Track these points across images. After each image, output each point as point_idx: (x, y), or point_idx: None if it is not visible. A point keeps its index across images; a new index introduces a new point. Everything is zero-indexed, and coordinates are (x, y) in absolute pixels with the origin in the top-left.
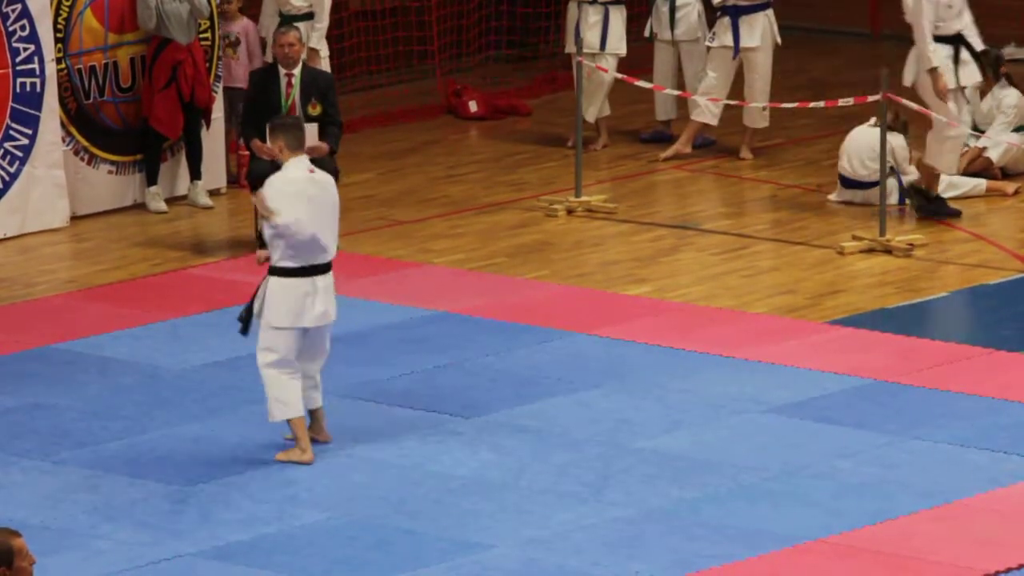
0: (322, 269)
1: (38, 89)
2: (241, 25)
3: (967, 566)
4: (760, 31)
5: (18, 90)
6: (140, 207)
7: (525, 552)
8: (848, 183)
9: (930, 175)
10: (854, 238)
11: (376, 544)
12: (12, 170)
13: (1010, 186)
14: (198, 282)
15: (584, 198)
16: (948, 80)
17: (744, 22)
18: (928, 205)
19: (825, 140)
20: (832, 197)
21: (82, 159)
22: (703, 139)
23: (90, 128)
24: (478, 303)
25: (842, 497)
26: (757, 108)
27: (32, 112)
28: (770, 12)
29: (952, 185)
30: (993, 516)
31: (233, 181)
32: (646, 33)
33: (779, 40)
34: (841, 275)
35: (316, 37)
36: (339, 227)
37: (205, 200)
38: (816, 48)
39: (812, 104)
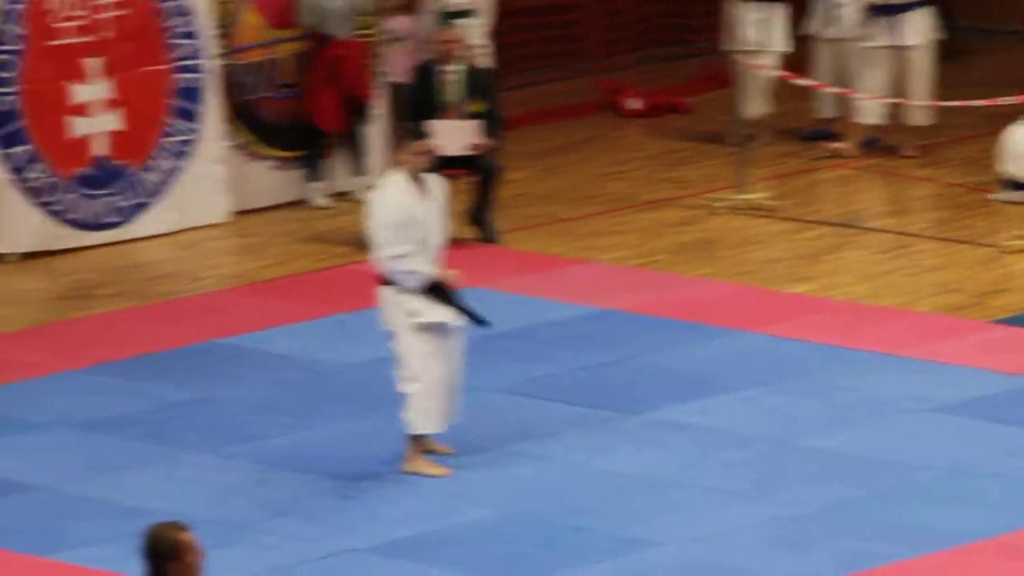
0: None
1: (199, 85)
2: (403, 21)
3: None
4: (918, 29)
5: (180, 86)
6: (302, 203)
7: (691, 550)
8: (1012, 184)
9: None
10: (1018, 237)
11: (542, 541)
12: (174, 165)
13: None
14: (362, 277)
15: (746, 196)
16: None
17: (902, 20)
18: None
19: (989, 138)
20: (996, 195)
21: (244, 155)
22: (867, 137)
23: (251, 124)
24: (642, 300)
25: (1011, 495)
26: (919, 106)
27: (193, 108)
28: (928, 9)
29: None
30: None
31: None
32: (807, 30)
33: (938, 37)
34: (1005, 274)
35: (479, 34)
36: (508, 225)
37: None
38: (981, 46)
39: (976, 102)
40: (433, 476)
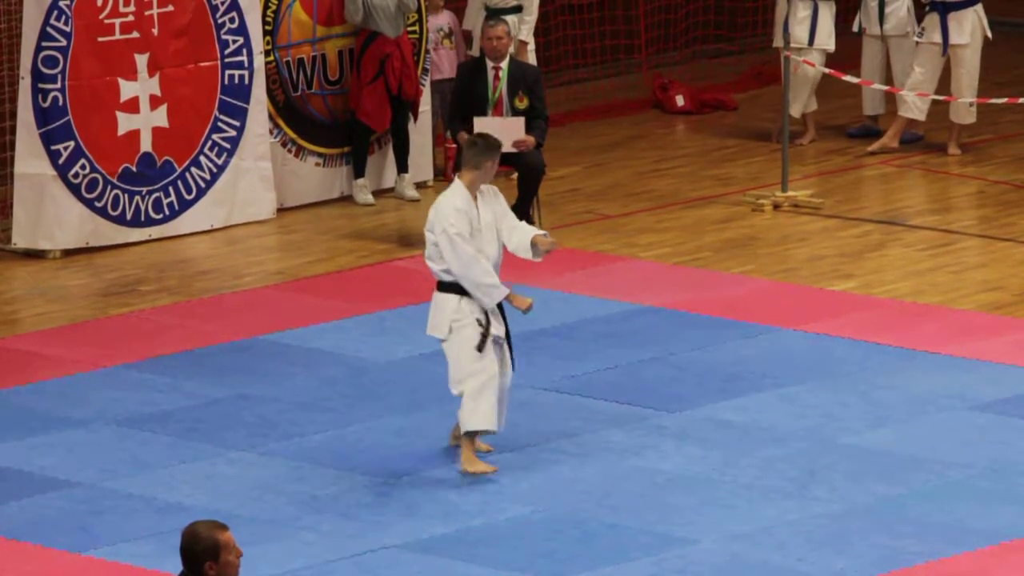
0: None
1: (246, 81)
2: (447, 18)
3: None
4: (969, 27)
5: (226, 82)
6: (347, 199)
7: (729, 547)
8: None
9: None
10: None
11: (580, 538)
12: (220, 162)
13: None
14: (404, 275)
15: (790, 193)
16: None
17: (953, 18)
18: None
19: None
20: None
21: (289, 151)
22: (910, 134)
23: (298, 120)
24: (683, 297)
25: None
26: (964, 104)
27: (240, 104)
28: (979, 7)
29: None
30: None
31: (440, 174)
32: (855, 28)
33: (989, 35)
34: None
35: (525, 30)
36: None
37: (412, 193)
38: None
39: (1021, 100)
40: (486, 473)
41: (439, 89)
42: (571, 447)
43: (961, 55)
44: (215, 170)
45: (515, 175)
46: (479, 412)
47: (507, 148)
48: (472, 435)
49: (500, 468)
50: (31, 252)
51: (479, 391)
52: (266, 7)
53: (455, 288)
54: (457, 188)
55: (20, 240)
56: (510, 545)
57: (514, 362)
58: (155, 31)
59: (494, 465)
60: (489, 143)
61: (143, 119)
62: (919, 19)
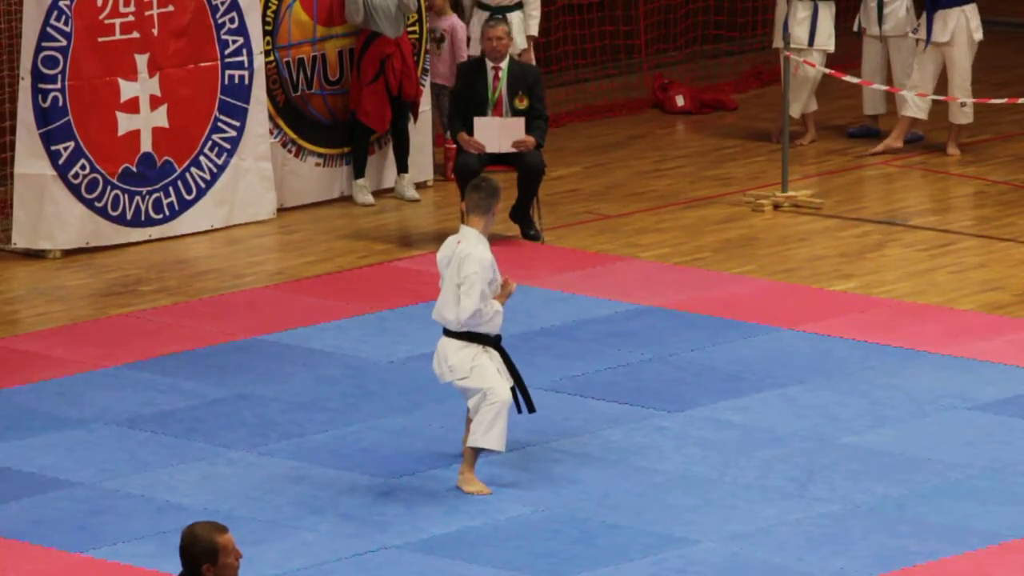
0: (444, 331)
1: (246, 81)
2: (449, 21)
3: None
4: (953, 26)
5: (226, 82)
6: (347, 199)
7: (729, 547)
8: None
9: None
10: None
11: (580, 538)
12: (220, 162)
13: None
14: (404, 275)
15: (791, 193)
16: None
17: (939, 16)
18: None
19: None
20: None
21: (289, 151)
22: (911, 134)
23: (298, 120)
24: (683, 297)
25: None
26: (956, 104)
27: (240, 104)
28: (968, 8)
29: None
30: None
31: (440, 174)
32: (855, 28)
33: (977, 37)
34: None
35: (534, 25)
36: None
37: (412, 193)
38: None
39: (1021, 100)
40: (481, 494)
41: (434, 90)
42: (571, 447)
43: (950, 55)
44: (215, 170)
45: (516, 175)
46: (493, 431)
47: (507, 148)
48: (478, 451)
49: (500, 468)
50: (31, 252)
51: (498, 412)
52: (266, 7)
53: (474, 337)
54: (479, 237)
55: (20, 240)
56: (510, 545)
57: (532, 406)
58: (155, 31)
59: (489, 465)
60: (493, 186)
61: (143, 119)
62: (919, 18)
